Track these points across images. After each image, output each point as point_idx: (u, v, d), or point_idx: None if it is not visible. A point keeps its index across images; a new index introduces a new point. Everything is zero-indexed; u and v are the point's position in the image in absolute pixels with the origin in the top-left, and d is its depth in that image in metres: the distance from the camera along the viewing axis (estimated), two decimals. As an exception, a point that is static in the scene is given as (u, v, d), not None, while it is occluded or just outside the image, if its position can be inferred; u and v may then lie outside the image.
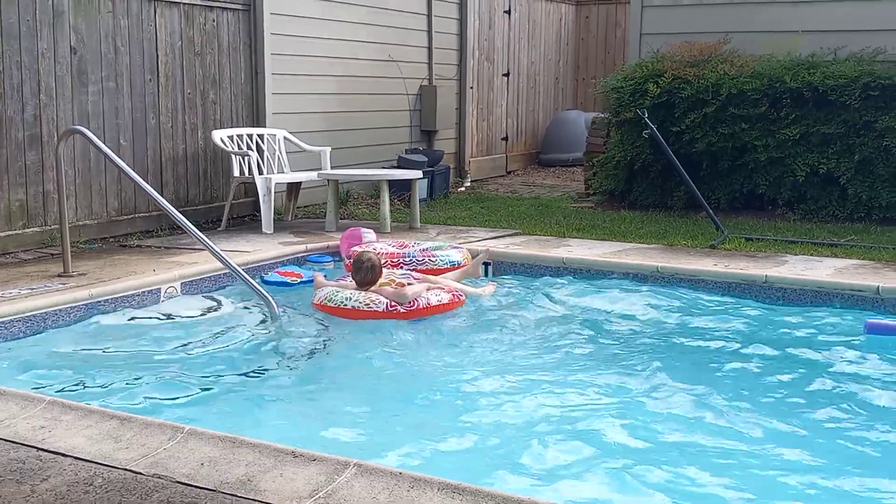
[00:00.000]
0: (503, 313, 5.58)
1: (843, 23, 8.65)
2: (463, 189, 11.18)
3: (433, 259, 6.25)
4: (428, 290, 5.51)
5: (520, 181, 12.12)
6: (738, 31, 8.99)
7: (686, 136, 8.67)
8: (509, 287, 6.19)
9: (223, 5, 8.31)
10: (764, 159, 8.40)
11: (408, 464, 3.34)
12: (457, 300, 5.61)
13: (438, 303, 5.47)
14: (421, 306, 5.37)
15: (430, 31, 10.96)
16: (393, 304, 5.32)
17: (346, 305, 5.36)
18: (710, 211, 7.72)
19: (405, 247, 6.50)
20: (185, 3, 7.94)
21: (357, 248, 6.19)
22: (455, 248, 6.52)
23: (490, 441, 3.63)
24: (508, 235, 7.55)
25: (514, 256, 6.66)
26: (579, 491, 3.19)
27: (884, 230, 7.64)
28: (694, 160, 8.65)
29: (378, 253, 6.01)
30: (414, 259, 6.23)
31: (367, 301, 5.36)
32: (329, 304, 5.43)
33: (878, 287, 5.59)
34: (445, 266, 6.22)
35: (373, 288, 5.49)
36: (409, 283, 5.63)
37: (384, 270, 5.71)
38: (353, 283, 5.59)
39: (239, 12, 8.47)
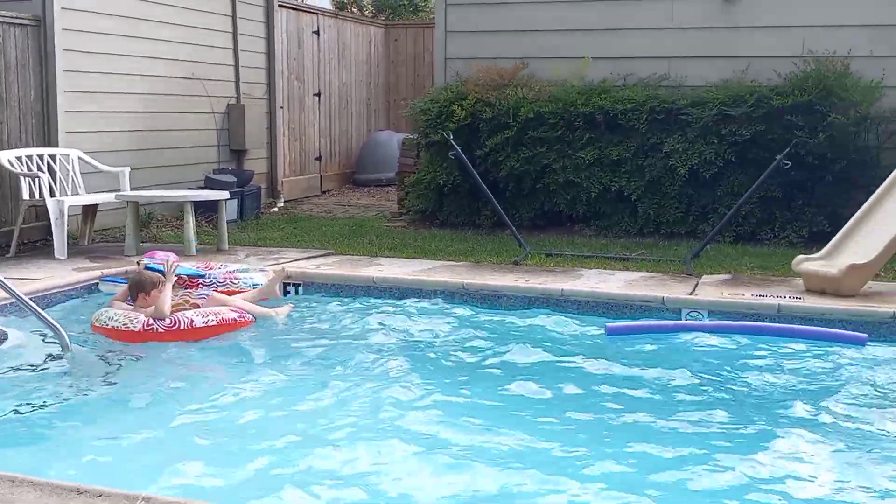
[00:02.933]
0: (301, 333, 5.54)
1: (632, 50, 9.25)
2: (276, 210, 11.03)
3: (235, 281, 6.14)
4: (195, 310, 5.41)
5: (334, 201, 12.11)
6: (536, 56, 9.42)
7: (490, 159, 8.98)
8: (314, 307, 6.17)
9: (10, 20, 7.81)
10: (562, 181, 8.83)
11: (198, 492, 3.25)
12: (239, 322, 5.53)
13: (205, 324, 5.36)
14: (183, 327, 5.27)
15: (235, 50, 10.78)
16: (150, 323, 5.24)
17: (107, 325, 5.32)
18: (514, 229, 8.02)
19: (210, 268, 6.34)
20: (-35, 16, 7.42)
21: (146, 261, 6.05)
22: (261, 270, 6.42)
23: (283, 464, 3.60)
24: (320, 256, 7.52)
25: (325, 277, 6.64)
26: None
27: (670, 244, 8.21)
28: (499, 182, 8.98)
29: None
30: (215, 280, 6.09)
31: (126, 321, 5.27)
32: (96, 323, 5.40)
33: (664, 297, 6.00)
34: (248, 288, 6.12)
35: (141, 306, 5.42)
36: (200, 304, 5.56)
37: (181, 290, 5.65)
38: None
39: (28, 27, 7.99)
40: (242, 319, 5.57)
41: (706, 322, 5.75)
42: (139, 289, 5.46)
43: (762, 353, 5.25)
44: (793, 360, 5.09)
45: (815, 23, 8.65)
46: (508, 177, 8.97)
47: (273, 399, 4.39)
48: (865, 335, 5.37)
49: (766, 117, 8.18)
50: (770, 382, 4.73)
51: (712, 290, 6.19)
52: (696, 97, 8.55)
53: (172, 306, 5.37)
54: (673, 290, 6.19)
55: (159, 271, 5.70)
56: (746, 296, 5.97)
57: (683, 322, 5.79)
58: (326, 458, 3.64)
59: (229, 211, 8.83)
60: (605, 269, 7.03)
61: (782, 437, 3.92)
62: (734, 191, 8.28)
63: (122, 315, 5.31)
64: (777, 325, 5.54)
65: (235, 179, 9.79)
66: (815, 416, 4.23)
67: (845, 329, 5.49)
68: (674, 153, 8.48)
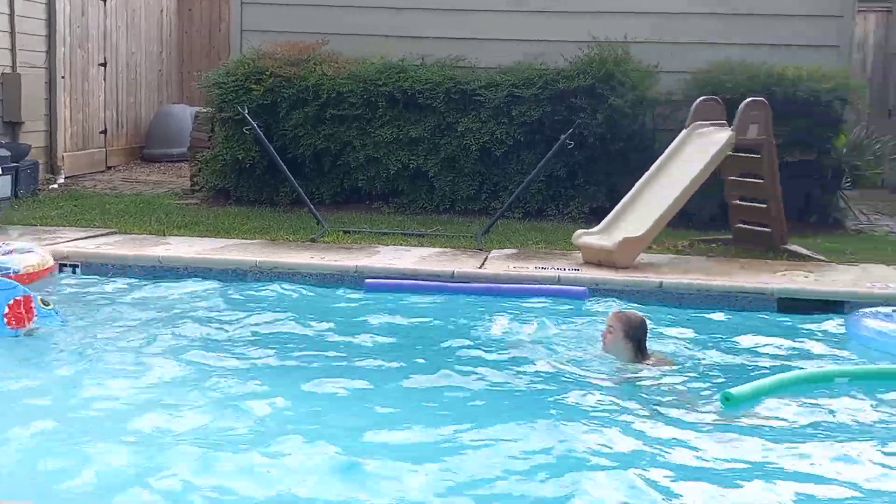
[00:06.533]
0: (76, 320, 5.22)
1: (431, 30, 9.35)
2: (55, 186, 10.34)
3: None
4: None
5: (121, 177, 11.51)
6: (336, 32, 9.33)
7: (290, 135, 8.84)
8: (92, 290, 5.86)
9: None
10: (362, 158, 8.84)
11: None
12: None
13: None
14: None
15: (11, 15, 9.95)
16: None
17: None
18: (311, 206, 7.97)
19: None
20: None
21: None
22: (29, 251, 5.80)
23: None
24: (102, 235, 7.14)
25: (106, 257, 6.33)
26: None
27: (465, 221, 8.43)
28: (299, 158, 8.86)
29: None
30: None
31: None
32: None
33: (454, 272, 6.17)
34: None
35: None
36: None
37: None
38: None
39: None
40: None
41: (449, 284, 6.03)
42: None
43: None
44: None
45: (599, 9, 9.10)
46: (308, 154, 8.88)
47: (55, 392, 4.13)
48: (585, 289, 5.81)
49: (553, 99, 8.54)
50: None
51: (500, 263, 6.43)
52: (489, 79, 8.78)
53: None
54: (464, 264, 6.38)
55: None
56: (530, 268, 6.26)
57: (434, 283, 6.03)
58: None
59: (2, 188, 8.20)
60: (401, 245, 7.14)
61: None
62: (523, 169, 8.62)
63: None
64: (516, 286, 5.96)
65: (10, 154, 9.08)
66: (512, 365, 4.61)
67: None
68: (468, 132, 8.69)
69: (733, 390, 4.12)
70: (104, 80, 12.03)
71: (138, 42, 12.87)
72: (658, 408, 4.13)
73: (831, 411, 4.16)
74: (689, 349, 5.02)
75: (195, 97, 13.34)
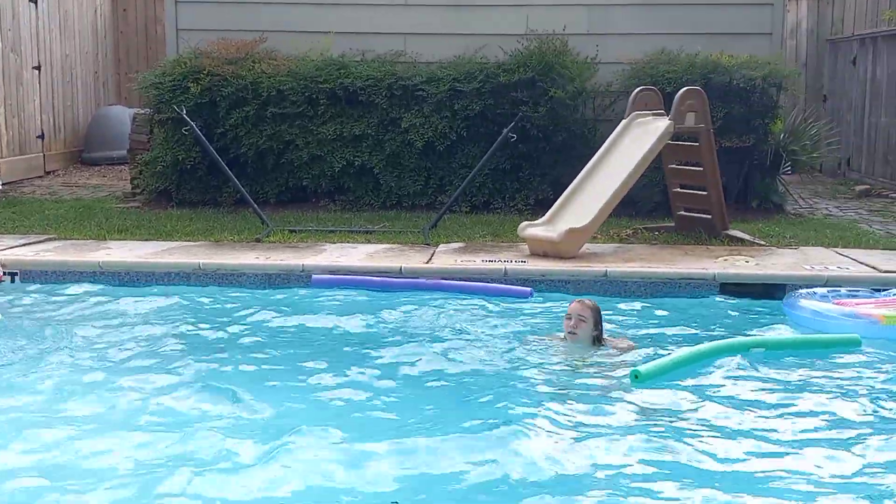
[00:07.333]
0: (15, 329, 5.10)
1: (370, 26, 9.31)
2: (-7, 193, 10.10)
3: None
4: None
5: (60, 182, 11.28)
6: (274, 30, 9.24)
7: (230, 135, 8.75)
8: (31, 298, 5.72)
9: None
10: (306, 157, 8.78)
11: None
12: None
13: None
14: None
15: (-63, 17, 9.68)
16: None
17: None
18: (255, 206, 7.89)
19: None
20: None
21: None
22: None
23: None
24: (41, 241, 7.00)
25: (44, 264, 6.20)
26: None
27: (412, 216, 8.42)
28: (241, 158, 8.77)
29: None
30: None
31: None
32: None
33: (401, 267, 6.16)
34: None
35: None
36: None
37: None
38: None
39: None
40: None
41: (396, 280, 6.01)
42: None
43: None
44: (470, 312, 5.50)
45: (536, 1, 9.14)
46: (251, 153, 8.79)
47: None
48: (530, 289, 5.79)
49: (494, 93, 8.57)
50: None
51: (447, 257, 6.44)
52: (431, 74, 8.77)
53: None
54: (411, 259, 6.38)
55: None
56: (477, 262, 6.28)
57: (380, 279, 6.02)
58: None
59: (-66, 196, 7.98)
60: (348, 242, 7.11)
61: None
62: (468, 163, 8.63)
63: None
64: (456, 282, 5.91)
65: (-59, 161, 8.84)
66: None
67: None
68: (411, 128, 8.68)
69: (641, 367, 4.21)
70: (39, 83, 11.76)
71: (73, 44, 12.60)
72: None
73: (742, 385, 4.27)
74: (634, 337, 5.08)
75: (133, 99, 13.12)
